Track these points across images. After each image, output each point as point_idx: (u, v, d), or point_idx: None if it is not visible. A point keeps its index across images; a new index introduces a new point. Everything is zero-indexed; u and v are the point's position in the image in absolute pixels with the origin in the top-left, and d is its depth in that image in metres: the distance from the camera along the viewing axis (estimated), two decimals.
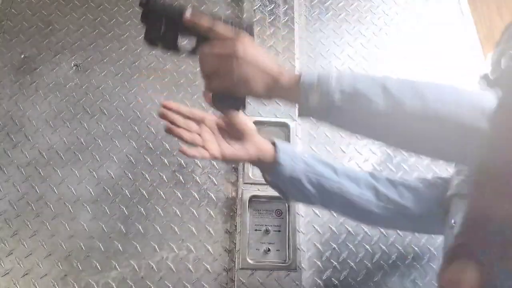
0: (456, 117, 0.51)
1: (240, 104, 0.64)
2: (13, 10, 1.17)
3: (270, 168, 0.72)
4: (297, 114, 0.62)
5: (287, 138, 1.02)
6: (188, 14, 0.62)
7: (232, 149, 0.70)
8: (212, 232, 0.93)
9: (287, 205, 0.94)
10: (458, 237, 0.21)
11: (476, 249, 0.21)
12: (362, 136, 0.63)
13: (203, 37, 0.62)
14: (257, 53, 0.59)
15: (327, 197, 0.74)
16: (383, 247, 0.93)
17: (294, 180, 0.72)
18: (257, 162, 0.72)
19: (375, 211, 0.74)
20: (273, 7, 1.19)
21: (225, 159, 0.69)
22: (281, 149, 0.72)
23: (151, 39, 0.65)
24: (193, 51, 0.64)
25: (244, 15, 1.17)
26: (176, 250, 0.91)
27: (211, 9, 1.21)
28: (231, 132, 0.72)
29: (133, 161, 0.99)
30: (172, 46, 0.65)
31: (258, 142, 0.72)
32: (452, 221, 0.68)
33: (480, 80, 1.28)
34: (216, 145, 0.69)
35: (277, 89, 0.59)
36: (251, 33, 0.64)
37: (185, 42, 0.65)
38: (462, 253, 0.22)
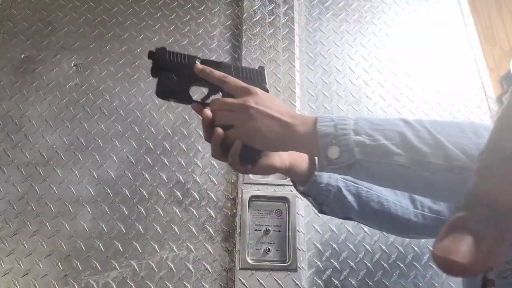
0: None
1: (255, 156, 0.61)
2: (13, 10, 1.17)
3: (305, 177, 0.68)
4: (317, 168, 0.58)
5: None
6: (199, 66, 0.62)
7: (265, 157, 0.64)
8: (212, 232, 0.93)
9: (287, 205, 0.94)
10: (459, 211, 0.21)
11: (475, 222, 0.22)
12: (385, 187, 0.61)
13: (214, 87, 0.62)
14: (269, 103, 0.58)
15: (365, 207, 0.70)
16: (383, 247, 0.93)
17: (332, 188, 0.68)
18: (290, 171, 0.67)
19: (412, 219, 0.72)
20: (273, 7, 1.19)
21: (258, 168, 0.63)
22: None
23: (164, 94, 0.64)
24: (204, 102, 0.64)
25: (244, 15, 1.17)
26: (176, 250, 0.91)
27: (211, 9, 1.21)
28: None
29: (133, 161, 0.99)
30: (184, 99, 0.64)
31: (290, 151, 0.67)
32: None
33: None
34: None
35: (293, 139, 0.57)
36: (262, 77, 0.64)
37: (196, 96, 0.64)
38: (460, 225, 0.22)
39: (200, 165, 1.00)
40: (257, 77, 0.65)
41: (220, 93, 0.63)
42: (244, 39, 1.13)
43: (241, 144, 0.59)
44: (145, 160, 1.00)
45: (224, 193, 0.97)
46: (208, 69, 0.62)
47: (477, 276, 0.21)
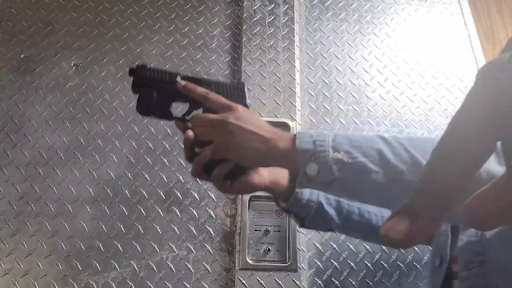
0: (455, 182, 0.50)
1: (242, 170, 0.62)
2: (13, 10, 1.17)
3: (287, 194, 0.68)
4: (296, 185, 0.58)
5: None
6: (180, 82, 0.62)
7: (244, 175, 0.64)
8: (212, 232, 0.93)
9: None
10: (406, 201, 0.25)
11: (417, 205, 0.25)
12: (362, 203, 0.61)
13: (195, 103, 0.62)
14: (250, 119, 0.58)
15: (346, 220, 0.71)
16: (383, 247, 0.92)
17: (313, 204, 0.68)
18: (271, 189, 0.67)
19: None
20: (273, 7, 1.19)
21: (238, 186, 0.63)
22: None
23: (144, 110, 0.64)
24: (185, 117, 0.64)
25: (244, 15, 1.17)
26: (176, 250, 0.91)
27: (211, 9, 1.21)
28: None
29: (133, 161, 0.99)
30: (165, 115, 0.64)
31: (271, 168, 0.67)
32: (443, 228, 0.69)
33: None
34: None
35: (273, 154, 0.57)
36: (242, 93, 0.64)
37: (178, 109, 0.64)
38: (404, 209, 0.25)
39: None
40: (237, 93, 0.65)
41: (202, 108, 0.64)
42: (244, 39, 1.13)
43: (230, 166, 0.59)
44: (145, 160, 0.99)
45: (224, 193, 0.97)
46: (191, 85, 0.63)
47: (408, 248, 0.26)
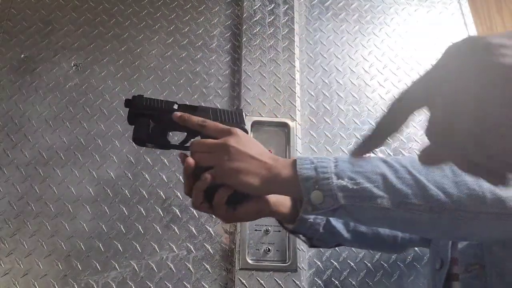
0: (459, 205, 0.50)
1: (240, 200, 0.60)
2: (13, 10, 1.17)
3: (291, 215, 0.66)
4: (301, 212, 0.57)
5: (287, 138, 1.02)
6: (176, 114, 0.62)
7: (246, 203, 0.62)
8: (212, 232, 0.93)
9: None
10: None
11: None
12: (368, 226, 0.61)
13: (193, 131, 0.62)
14: (250, 144, 0.57)
15: (354, 233, 0.71)
16: None
17: (320, 221, 0.67)
18: (274, 213, 0.65)
19: (400, 235, 0.73)
20: (273, 7, 1.19)
21: (240, 215, 0.61)
22: None
23: (140, 140, 0.64)
24: (183, 146, 0.64)
25: (244, 15, 1.17)
26: (176, 250, 0.91)
27: (211, 9, 1.21)
28: None
29: (133, 161, 0.99)
30: (161, 144, 0.64)
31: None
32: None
33: None
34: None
35: (275, 181, 0.55)
36: (240, 118, 0.64)
37: (176, 138, 0.64)
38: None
39: None
40: (235, 119, 0.64)
41: (199, 137, 0.63)
42: (244, 39, 1.13)
43: (231, 190, 0.57)
44: (145, 160, 0.99)
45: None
46: (186, 115, 0.62)
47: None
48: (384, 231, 0.73)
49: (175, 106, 0.64)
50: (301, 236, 0.70)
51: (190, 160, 0.57)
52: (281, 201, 0.65)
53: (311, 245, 0.71)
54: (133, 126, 0.64)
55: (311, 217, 0.66)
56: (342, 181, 0.53)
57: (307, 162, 0.55)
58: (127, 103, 0.65)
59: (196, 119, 0.61)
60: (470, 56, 0.26)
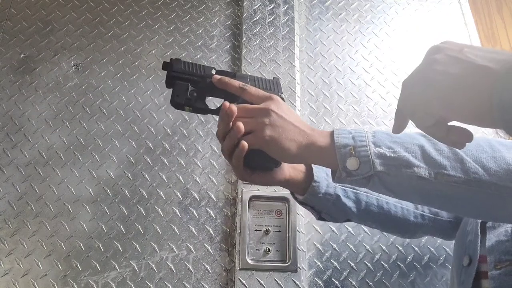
0: (497, 180, 0.49)
1: (273, 164, 0.61)
2: (12, 10, 1.17)
3: (303, 188, 0.67)
4: (332, 180, 0.57)
5: None
6: (215, 76, 0.62)
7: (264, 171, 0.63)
8: (212, 232, 0.93)
9: (287, 205, 0.93)
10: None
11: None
12: (401, 199, 0.61)
13: (231, 97, 0.61)
14: (289, 112, 0.57)
15: (365, 211, 0.70)
16: (383, 247, 0.92)
17: (330, 197, 0.67)
18: (289, 184, 0.66)
19: (411, 220, 0.73)
20: (273, 7, 1.19)
21: (258, 177, 0.62)
22: (315, 165, 0.67)
23: (178, 104, 0.63)
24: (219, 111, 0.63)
25: (244, 15, 1.17)
26: (176, 250, 0.91)
27: (211, 9, 1.21)
28: None
29: (132, 161, 0.99)
30: (199, 108, 0.64)
31: None
32: (469, 227, 0.68)
33: None
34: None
35: (311, 149, 0.55)
36: (278, 86, 0.64)
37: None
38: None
39: (200, 165, 0.99)
40: (273, 87, 0.64)
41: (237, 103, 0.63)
42: (244, 39, 1.13)
43: (247, 148, 0.57)
44: (145, 160, 0.99)
45: (224, 193, 0.97)
46: (227, 78, 0.62)
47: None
48: (396, 213, 0.72)
49: (213, 71, 0.64)
50: (309, 208, 0.70)
51: (241, 126, 0.56)
52: (296, 173, 0.66)
53: (320, 218, 0.71)
54: (171, 90, 0.64)
55: (321, 192, 0.67)
56: (379, 149, 0.53)
57: (344, 132, 0.55)
58: (165, 65, 0.64)
59: (237, 82, 0.61)
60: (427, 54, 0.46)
